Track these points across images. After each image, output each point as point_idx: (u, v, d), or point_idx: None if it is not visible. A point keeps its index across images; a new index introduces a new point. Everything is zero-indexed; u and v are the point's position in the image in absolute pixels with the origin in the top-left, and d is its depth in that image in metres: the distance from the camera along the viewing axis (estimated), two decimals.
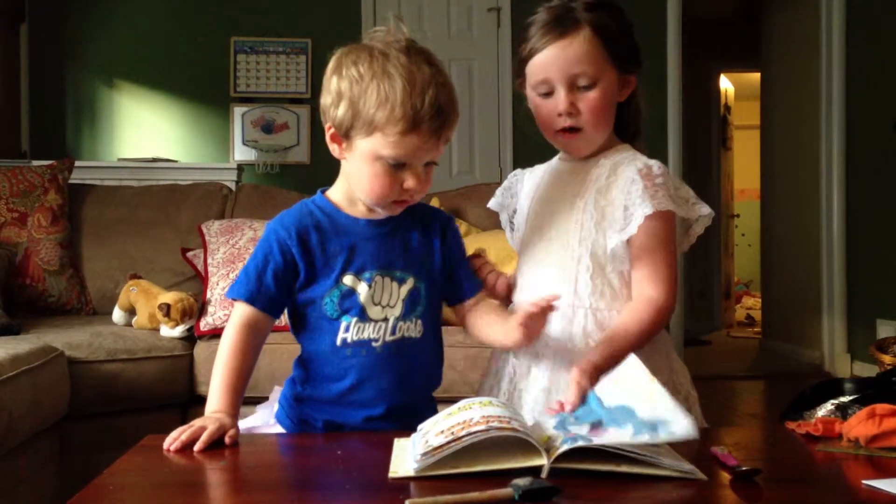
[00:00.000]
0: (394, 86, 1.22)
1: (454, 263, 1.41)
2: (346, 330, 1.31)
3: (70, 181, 3.13)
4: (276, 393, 1.49)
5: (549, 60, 1.36)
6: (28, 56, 4.73)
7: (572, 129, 1.38)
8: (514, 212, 1.57)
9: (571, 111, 1.37)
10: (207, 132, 4.83)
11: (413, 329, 1.34)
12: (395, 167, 1.26)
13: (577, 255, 1.38)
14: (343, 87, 1.26)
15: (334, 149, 1.32)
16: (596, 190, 1.39)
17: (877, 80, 4.54)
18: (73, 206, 3.09)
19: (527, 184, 1.55)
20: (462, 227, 2.99)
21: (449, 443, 1.00)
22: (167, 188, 3.32)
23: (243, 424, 1.49)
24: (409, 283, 1.34)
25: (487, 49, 5.02)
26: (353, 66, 1.26)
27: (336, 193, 1.37)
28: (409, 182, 1.28)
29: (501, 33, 5.02)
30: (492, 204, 1.62)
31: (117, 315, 2.60)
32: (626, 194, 1.34)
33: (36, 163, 3.48)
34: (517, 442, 1.01)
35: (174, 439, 1.16)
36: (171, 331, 2.44)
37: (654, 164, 1.36)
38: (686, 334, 5.20)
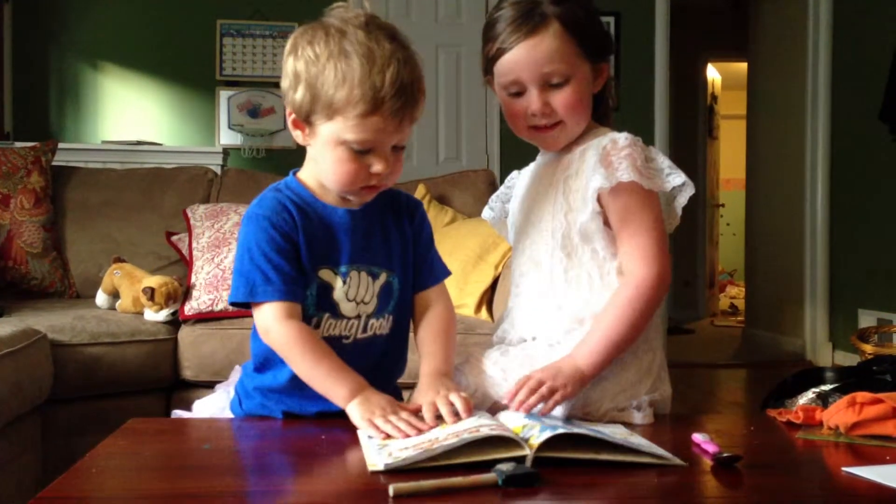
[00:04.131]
0: (351, 64, 1.16)
1: (417, 252, 1.35)
2: (318, 325, 1.26)
3: (53, 163, 3.10)
4: (237, 373, 1.45)
5: (519, 60, 1.30)
6: (12, 36, 4.68)
7: (549, 126, 1.33)
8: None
9: (545, 111, 1.31)
10: (193, 116, 4.80)
11: (384, 326, 1.31)
12: (360, 152, 1.20)
13: (550, 249, 1.35)
14: (299, 68, 1.20)
15: (297, 135, 1.25)
16: (565, 178, 1.35)
17: (863, 71, 4.56)
18: (56, 189, 3.06)
19: (518, 184, 1.51)
20: (448, 214, 2.98)
21: (419, 455, 0.98)
22: (152, 171, 3.30)
23: (200, 407, 1.45)
24: (383, 278, 1.29)
25: (476, 35, 4.92)
26: (309, 46, 1.19)
27: (308, 178, 1.30)
28: (377, 167, 1.20)
29: None
30: (485, 215, 1.58)
31: (101, 298, 2.59)
32: (591, 172, 1.29)
33: (19, 144, 3.45)
34: (495, 438, 1.01)
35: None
36: (155, 315, 2.43)
37: (622, 137, 1.30)
38: (670, 322, 5.23)
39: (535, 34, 1.29)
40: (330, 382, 1.20)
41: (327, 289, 1.26)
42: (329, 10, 1.24)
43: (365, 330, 1.29)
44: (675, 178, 1.30)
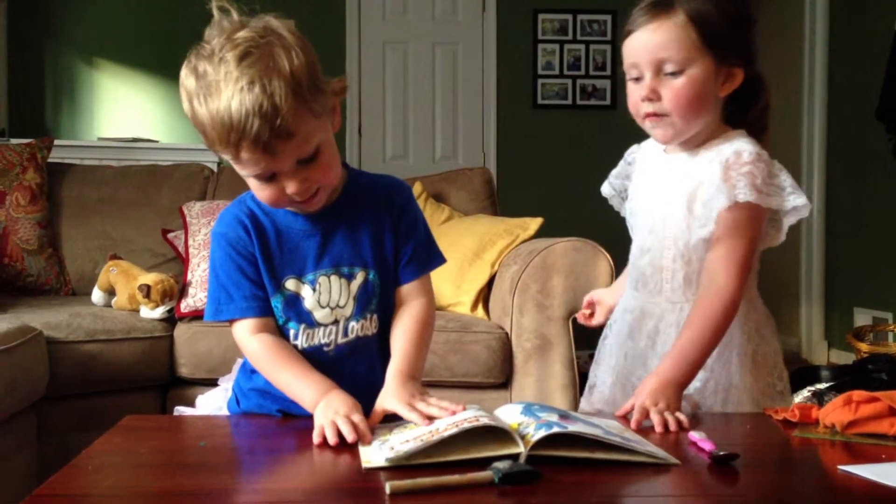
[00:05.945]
0: (201, 110, 1.09)
1: (397, 244, 1.28)
2: (296, 337, 1.23)
3: (49, 160, 3.09)
4: (238, 365, 1.43)
5: (638, 43, 1.32)
6: (7, 33, 4.67)
7: (657, 114, 1.33)
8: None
9: (651, 97, 1.32)
10: None
11: (368, 327, 1.26)
12: (267, 179, 1.13)
13: (672, 255, 1.38)
14: (187, 110, 1.14)
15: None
16: (693, 188, 1.36)
17: (859, 69, 4.56)
18: (52, 186, 3.05)
19: (639, 163, 1.52)
20: (444, 212, 2.98)
21: (420, 448, 0.98)
22: (148, 168, 3.29)
23: (203, 402, 1.45)
24: (360, 278, 1.24)
25: (472, 33, 5.00)
26: (184, 89, 1.13)
27: None
28: (289, 188, 1.13)
29: (486, 17, 5.00)
30: (604, 191, 1.59)
31: (96, 296, 2.58)
32: (710, 186, 1.32)
33: (14, 141, 3.44)
34: (491, 432, 1.01)
35: (322, 437, 1.07)
36: (151, 312, 2.43)
37: (746, 151, 1.32)
38: None
39: (658, 18, 1.31)
40: (297, 390, 1.19)
41: (297, 299, 1.23)
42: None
43: (346, 334, 1.25)
44: (796, 198, 1.32)
